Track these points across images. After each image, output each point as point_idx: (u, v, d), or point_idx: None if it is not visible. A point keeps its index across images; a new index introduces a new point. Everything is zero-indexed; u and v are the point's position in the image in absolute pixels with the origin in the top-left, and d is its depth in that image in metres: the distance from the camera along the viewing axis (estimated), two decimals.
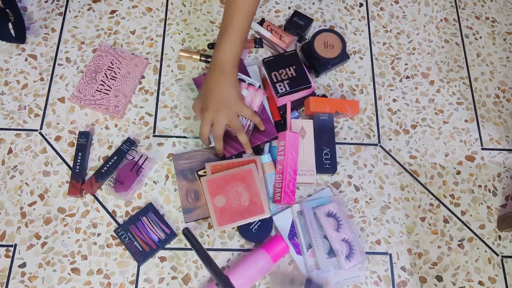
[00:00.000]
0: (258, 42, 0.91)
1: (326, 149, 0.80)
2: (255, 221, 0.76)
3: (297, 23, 0.93)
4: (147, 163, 0.80)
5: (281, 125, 0.83)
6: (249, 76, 0.84)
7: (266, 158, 0.79)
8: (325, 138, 0.81)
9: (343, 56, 0.88)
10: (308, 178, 0.78)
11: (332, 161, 0.80)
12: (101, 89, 0.84)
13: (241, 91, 0.78)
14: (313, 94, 0.86)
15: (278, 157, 0.78)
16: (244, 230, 0.76)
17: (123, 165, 0.79)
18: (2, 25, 0.84)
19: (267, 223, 0.77)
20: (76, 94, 0.84)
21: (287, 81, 0.81)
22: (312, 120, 0.83)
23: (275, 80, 0.81)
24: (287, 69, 0.82)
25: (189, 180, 0.79)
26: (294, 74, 0.82)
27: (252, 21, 0.76)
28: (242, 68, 0.84)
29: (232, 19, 0.73)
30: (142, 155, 0.80)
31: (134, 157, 0.80)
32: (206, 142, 0.79)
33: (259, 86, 0.83)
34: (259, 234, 0.76)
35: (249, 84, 0.82)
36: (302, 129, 0.81)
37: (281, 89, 0.80)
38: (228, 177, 0.75)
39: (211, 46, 0.91)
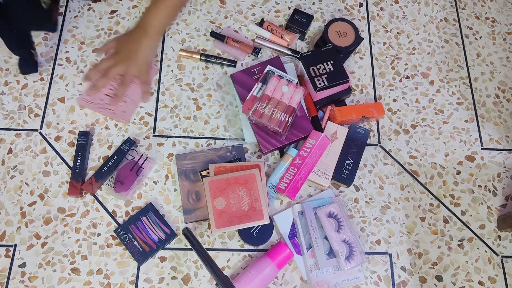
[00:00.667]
0: (256, 52, 0.91)
1: (350, 160, 0.81)
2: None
3: (299, 21, 0.93)
4: (147, 163, 0.80)
5: (317, 121, 0.84)
6: (286, 72, 0.85)
7: (293, 152, 0.80)
8: (353, 149, 0.82)
9: (359, 40, 0.90)
10: (322, 180, 0.78)
11: (351, 173, 0.80)
12: (110, 93, 0.84)
13: (282, 87, 0.80)
14: (348, 89, 0.87)
15: (301, 151, 0.79)
16: (244, 234, 0.76)
17: (123, 165, 0.79)
18: (28, 64, 0.86)
19: (268, 227, 0.77)
20: (85, 97, 0.83)
21: (325, 75, 0.82)
22: (347, 129, 0.83)
23: (313, 75, 0.82)
24: (325, 64, 0.83)
25: (191, 181, 0.79)
26: (332, 69, 0.82)
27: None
28: (279, 65, 0.86)
29: None
30: (142, 155, 0.80)
31: (134, 157, 0.80)
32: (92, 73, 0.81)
33: (297, 83, 0.84)
34: (259, 238, 0.76)
35: (289, 80, 0.82)
36: (334, 133, 0.82)
37: (320, 84, 0.81)
38: (230, 180, 0.75)
39: (214, 35, 0.91)
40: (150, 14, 0.80)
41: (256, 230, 0.76)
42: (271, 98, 0.80)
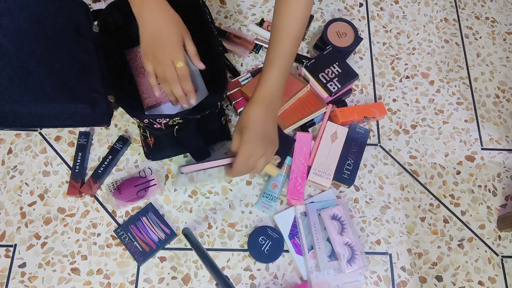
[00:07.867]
0: (257, 48, 0.92)
1: (350, 160, 0.81)
2: (270, 230, 0.76)
3: None
4: (152, 190, 0.78)
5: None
6: None
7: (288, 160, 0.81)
8: (353, 149, 0.82)
9: (358, 40, 0.90)
10: (323, 181, 0.78)
11: (352, 174, 0.80)
12: None
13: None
14: (348, 89, 0.87)
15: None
16: (255, 251, 0.75)
17: (131, 177, 0.79)
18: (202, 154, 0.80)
19: (278, 243, 0.76)
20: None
21: (336, 78, 0.82)
22: (347, 129, 0.83)
23: (324, 81, 0.82)
24: (331, 67, 0.83)
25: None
26: (340, 70, 0.82)
27: (299, 45, 0.70)
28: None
29: (280, 46, 0.65)
30: (153, 179, 0.79)
31: (146, 176, 0.79)
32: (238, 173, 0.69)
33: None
34: (270, 255, 0.75)
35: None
36: (334, 134, 0.82)
37: (333, 88, 0.81)
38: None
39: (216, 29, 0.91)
40: (266, 84, 0.66)
41: (267, 247, 0.76)
42: None
